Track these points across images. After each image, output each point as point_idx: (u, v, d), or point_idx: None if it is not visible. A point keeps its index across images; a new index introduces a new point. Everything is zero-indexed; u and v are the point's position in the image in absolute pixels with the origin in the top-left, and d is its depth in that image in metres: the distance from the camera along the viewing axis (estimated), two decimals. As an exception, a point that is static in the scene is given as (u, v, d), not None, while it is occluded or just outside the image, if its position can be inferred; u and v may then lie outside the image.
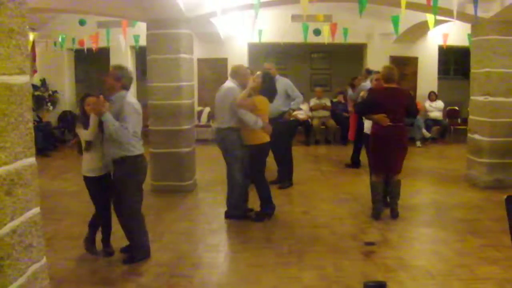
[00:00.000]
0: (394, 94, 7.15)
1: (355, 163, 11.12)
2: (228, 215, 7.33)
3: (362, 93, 7.88)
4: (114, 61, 15.11)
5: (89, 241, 5.86)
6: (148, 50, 8.96)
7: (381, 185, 7.33)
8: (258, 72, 7.38)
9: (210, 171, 10.53)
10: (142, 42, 11.15)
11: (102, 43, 13.87)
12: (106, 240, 5.87)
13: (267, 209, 7.31)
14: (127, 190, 5.50)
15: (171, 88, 8.75)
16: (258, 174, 7.28)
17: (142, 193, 5.79)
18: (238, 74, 7.28)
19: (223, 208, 7.59)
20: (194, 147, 9.32)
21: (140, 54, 14.57)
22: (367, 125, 7.83)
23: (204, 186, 9.34)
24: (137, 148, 5.50)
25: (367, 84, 10.70)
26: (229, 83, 7.22)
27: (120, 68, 5.69)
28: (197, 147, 9.70)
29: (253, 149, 7.09)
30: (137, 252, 5.67)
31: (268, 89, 7.24)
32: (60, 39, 13.86)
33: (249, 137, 7.05)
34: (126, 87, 5.57)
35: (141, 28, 10.11)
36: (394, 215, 7.28)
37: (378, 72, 7.97)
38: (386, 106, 7.05)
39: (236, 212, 7.29)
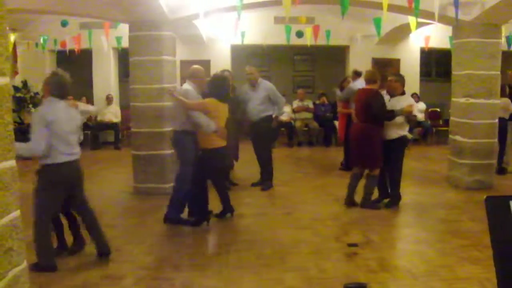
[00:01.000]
0: (361, 95, 7.93)
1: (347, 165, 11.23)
2: (166, 218, 7.15)
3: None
4: (96, 62, 15.09)
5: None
6: (130, 52, 8.93)
7: (354, 177, 8.02)
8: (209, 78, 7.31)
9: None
10: (125, 43, 11.13)
11: (85, 45, 13.79)
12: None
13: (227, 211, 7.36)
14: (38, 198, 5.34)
15: (154, 90, 8.71)
16: (215, 178, 7.26)
17: (56, 205, 5.46)
18: (195, 76, 7.15)
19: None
20: (176, 149, 9.28)
21: (123, 55, 14.50)
22: None
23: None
24: (52, 157, 5.21)
25: (356, 85, 10.85)
26: (186, 86, 7.10)
27: (53, 73, 5.48)
28: (180, 149, 9.66)
29: (206, 153, 6.99)
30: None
31: (214, 91, 7.03)
32: (41, 40, 13.77)
33: (204, 141, 6.95)
34: (54, 94, 5.30)
35: (123, 29, 10.08)
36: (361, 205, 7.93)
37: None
38: (355, 106, 8.08)
39: (175, 215, 7.12)
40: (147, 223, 7.22)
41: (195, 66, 7.34)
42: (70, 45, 13.77)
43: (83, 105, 5.64)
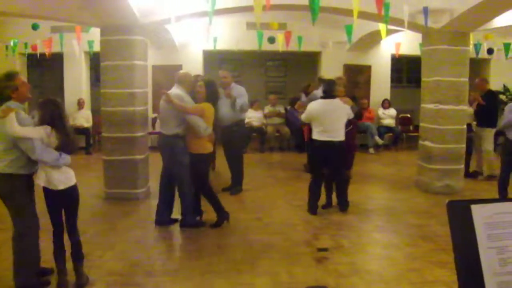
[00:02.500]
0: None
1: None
2: (184, 223, 7.25)
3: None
4: (68, 66, 14.92)
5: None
6: (101, 56, 8.88)
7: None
8: (200, 82, 7.33)
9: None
10: (97, 47, 11.03)
11: (56, 48, 13.61)
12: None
13: (223, 216, 7.34)
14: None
15: (125, 94, 8.67)
16: (203, 183, 7.28)
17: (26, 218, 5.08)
18: (184, 81, 7.28)
19: (177, 216, 7.57)
20: (147, 154, 9.24)
21: (95, 60, 14.39)
22: None
23: (158, 194, 9.22)
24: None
25: (319, 92, 10.93)
26: (176, 90, 7.17)
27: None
28: (151, 154, 9.61)
29: (198, 158, 7.08)
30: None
31: (211, 96, 7.24)
32: (12, 43, 13.57)
33: (195, 146, 7.05)
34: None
35: (95, 33, 10.00)
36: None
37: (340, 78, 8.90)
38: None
39: (192, 219, 7.27)
40: (118, 228, 7.18)
41: (183, 71, 7.59)
42: (41, 49, 13.60)
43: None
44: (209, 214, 7.45)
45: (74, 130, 13.70)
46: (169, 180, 7.36)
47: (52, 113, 4.92)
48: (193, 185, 7.21)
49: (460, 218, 1.91)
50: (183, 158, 7.07)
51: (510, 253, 1.88)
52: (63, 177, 5.01)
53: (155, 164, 10.53)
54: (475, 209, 1.91)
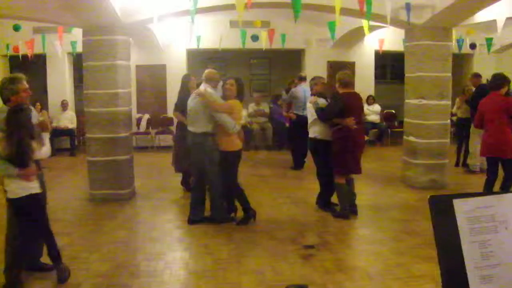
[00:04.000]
0: (357, 98, 7.77)
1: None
2: (213, 219, 7.29)
3: (314, 99, 7.94)
4: (51, 68, 14.82)
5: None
6: (84, 57, 8.81)
7: (346, 186, 7.66)
8: (231, 81, 7.31)
9: (150, 178, 10.45)
10: (80, 48, 10.97)
11: (38, 50, 13.51)
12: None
13: (250, 213, 7.38)
14: None
15: (108, 95, 8.61)
16: (233, 181, 7.30)
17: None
18: (212, 79, 7.31)
19: (162, 216, 7.58)
20: (132, 154, 9.19)
21: (78, 60, 14.27)
22: (318, 129, 7.85)
23: (143, 194, 9.22)
24: None
25: (298, 89, 11.04)
26: (207, 88, 7.17)
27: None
28: (136, 154, 9.58)
29: (229, 156, 7.13)
30: None
31: (241, 93, 7.34)
32: (-7, 45, 13.47)
33: (225, 143, 7.10)
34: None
35: (78, 34, 9.93)
36: (355, 211, 7.72)
37: (320, 77, 8.53)
38: (353, 110, 7.49)
39: (221, 215, 7.32)
40: (103, 230, 7.13)
41: (210, 69, 7.52)
42: (23, 50, 13.48)
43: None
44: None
45: (58, 132, 13.81)
46: (200, 178, 7.36)
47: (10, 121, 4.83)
48: (223, 182, 7.23)
49: (442, 212, 1.92)
50: (213, 155, 7.11)
51: (492, 247, 1.88)
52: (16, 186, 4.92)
53: (140, 165, 10.55)
54: (457, 203, 1.91)
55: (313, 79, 8.49)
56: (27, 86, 5.27)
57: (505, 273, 1.87)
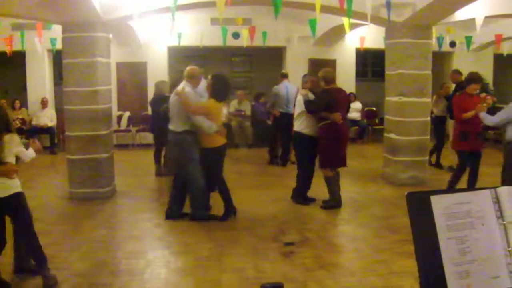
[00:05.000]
0: (344, 94, 8.04)
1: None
2: (193, 217, 7.25)
3: (305, 91, 7.99)
4: (30, 65, 14.65)
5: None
6: (63, 54, 8.71)
7: (335, 176, 7.94)
8: (210, 76, 7.29)
9: (130, 176, 10.39)
10: (60, 45, 10.87)
11: (17, 46, 13.36)
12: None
13: (231, 209, 7.41)
14: None
15: (88, 92, 8.53)
16: (218, 177, 7.28)
17: None
18: (193, 77, 7.20)
19: (142, 214, 7.53)
20: (112, 152, 9.12)
21: (58, 57, 14.14)
22: (304, 124, 7.97)
23: (124, 192, 9.16)
24: None
25: (280, 87, 11.08)
26: (186, 87, 7.07)
27: None
28: (117, 152, 9.52)
29: (210, 152, 7.09)
30: None
31: (217, 91, 7.16)
32: (-30, 42, 13.28)
33: (206, 140, 7.05)
34: None
35: (58, 30, 9.83)
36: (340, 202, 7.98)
37: (310, 75, 8.67)
38: (340, 105, 7.81)
39: (202, 213, 7.27)
40: (83, 228, 7.08)
41: (192, 66, 7.40)
42: (2, 47, 13.31)
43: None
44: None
45: (38, 130, 13.68)
46: (180, 175, 7.34)
47: None
48: (206, 179, 7.18)
49: (419, 209, 1.93)
50: (192, 153, 7.06)
51: (469, 243, 1.90)
52: None
53: (121, 162, 10.50)
54: (435, 200, 1.92)
55: (304, 76, 8.63)
56: None
57: (481, 269, 1.88)
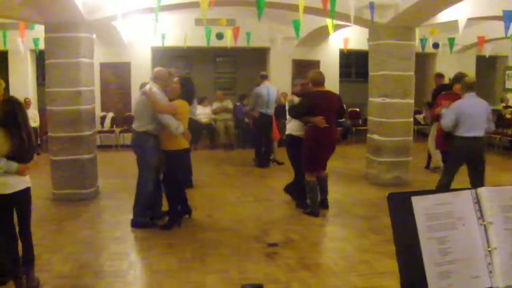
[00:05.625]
0: (329, 97, 7.67)
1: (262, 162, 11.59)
2: (134, 223, 7.13)
3: (290, 97, 7.99)
4: (13, 65, 14.52)
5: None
6: (46, 54, 8.66)
7: (316, 183, 7.70)
8: (176, 78, 7.26)
9: (114, 177, 10.34)
10: (43, 45, 10.79)
11: (-1, 46, 13.27)
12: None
13: (176, 217, 7.22)
14: None
15: (70, 93, 8.48)
16: (172, 179, 7.20)
17: None
18: (159, 78, 7.11)
19: (126, 215, 7.48)
20: (95, 153, 9.09)
21: (41, 58, 14.03)
22: (294, 126, 7.97)
23: (107, 193, 9.12)
24: None
25: (261, 88, 11.12)
26: (153, 87, 6.98)
27: None
28: (100, 153, 9.48)
29: (171, 155, 7.00)
30: None
31: (186, 93, 7.13)
32: (-48, 41, 13.15)
33: (168, 142, 6.94)
34: None
35: (41, 30, 9.76)
36: (326, 205, 7.92)
37: (301, 79, 8.43)
38: (322, 108, 7.45)
39: (142, 219, 7.15)
40: (66, 230, 7.04)
41: (159, 68, 7.34)
42: (-16, 47, 13.21)
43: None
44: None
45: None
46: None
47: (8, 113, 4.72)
48: (164, 182, 7.15)
49: (401, 210, 1.94)
50: (150, 158, 6.96)
51: (450, 243, 1.91)
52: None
53: (104, 163, 10.45)
54: (416, 201, 1.94)
55: (294, 79, 8.66)
56: None
57: (462, 269, 1.90)
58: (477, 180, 7.25)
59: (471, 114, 7.08)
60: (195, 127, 9.41)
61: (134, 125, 7.15)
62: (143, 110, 6.96)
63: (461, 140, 7.15)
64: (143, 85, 10.40)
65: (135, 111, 7.22)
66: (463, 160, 7.44)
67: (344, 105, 8.10)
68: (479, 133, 7.13)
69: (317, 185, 7.71)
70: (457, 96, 7.59)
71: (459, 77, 7.95)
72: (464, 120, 7.08)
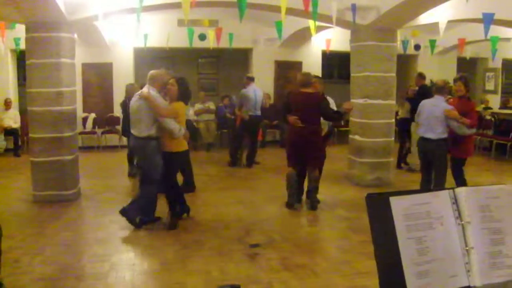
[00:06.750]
0: (307, 98, 7.78)
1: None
2: (139, 222, 7.08)
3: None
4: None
5: None
6: (27, 54, 8.57)
7: (293, 177, 7.98)
8: (171, 80, 7.22)
9: (95, 178, 10.29)
10: (24, 45, 10.70)
11: (-22, 46, 13.11)
12: None
13: (177, 212, 7.31)
14: None
15: (52, 93, 8.41)
16: (172, 180, 7.21)
17: None
18: (157, 80, 7.04)
19: (108, 217, 7.46)
20: (77, 154, 9.02)
21: (22, 58, 13.90)
22: None
23: (89, 195, 9.06)
24: None
25: (248, 90, 11.17)
26: (150, 90, 6.90)
27: None
28: (82, 154, 9.42)
29: (174, 157, 7.00)
30: None
31: (184, 93, 7.14)
32: None
33: (170, 144, 6.94)
34: None
35: (22, 30, 9.68)
36: (312, 207, 8.01)
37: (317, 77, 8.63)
38: (298, 109, 7.76)
39: (147, 219, 7.14)
40: (47, 232, 6.98)
41: (156, 70, 7.26)
42: (-38, 47, 13.05)
43: None
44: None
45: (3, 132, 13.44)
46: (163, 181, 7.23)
47: None
48: (164, 183, 7.10)
49: (379, 210, 1.95)
50: (155, 158, 6.92)
51: (428, 243, 1.93)
52: None
53: (86, 165, 10.39)
54: (394, 201, 1.95)
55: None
56: None
57: (440, 268, 1.92)
58: (436, 183, 7.57)
59: (427, 116, 7.44)
60: (191, 127, 9.42)
61: (134, 131, 7.04)
62: (143, 114, 6.87)
63: (420, 140, 7.72)
64: (128, 87, 10.46)
65: (134, 117, 7.06)
66: (422, 159, 7.85)
67: (332, 107, 8.03)
68: (431, 135, 7.41)
69: (292, 179, 7.99)
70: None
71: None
72: (422, 121, 7.55)
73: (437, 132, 7.36)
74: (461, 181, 7.71)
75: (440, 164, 7.55)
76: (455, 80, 7.92)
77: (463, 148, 7.73)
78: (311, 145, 7.85)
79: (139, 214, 7.07)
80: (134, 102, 7.05)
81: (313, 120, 7.80)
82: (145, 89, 6.99)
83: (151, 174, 6.98)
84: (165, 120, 6.75)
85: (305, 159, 7.98)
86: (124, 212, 7.00)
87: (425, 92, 10.25)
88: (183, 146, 7.15)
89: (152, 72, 7.19)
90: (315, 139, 7.88)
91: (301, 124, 7.66)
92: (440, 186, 7.56)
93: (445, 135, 7.41)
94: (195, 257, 5.93)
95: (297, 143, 7.82)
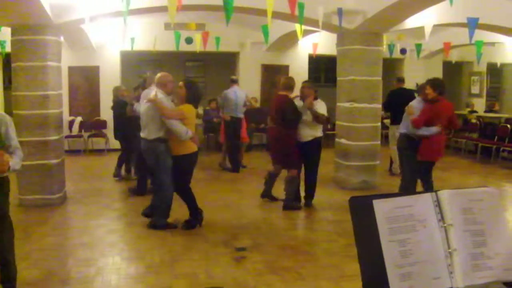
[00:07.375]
0: (278, 100, 8.23)
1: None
2: (154, 225, 7.14)
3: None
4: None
5: None
6: (13, 57, 8.51)
7: (271, 174, 8.65)
8: (180, 82, 7.21)
9: (82, 182, 10.26)
10: (9, 48, 10.63)
11: (-37, 49, 13.02)
12: None
13: (197, 216, 7.32)
14: None
15: (37, 97, 8.36)
16: (185, 184, 7.21)
17: None
18: (165, 83, 7.07)
19: (94, 221, 7.44)
20: (63, 158, 8.98)
21: (7, 61, 13.82)
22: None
23: (75, 199, 9.02)
24: None
25: (229, 91, 11.37)
26: (158, 93, 6.89)
27: None
28: (69, 158, 9.38)
29: (182, 160, 6.99)
30: None
31: (192, 96, 7.10)
32: None
33: (178, 147, 6.93)
34: None
35: (7, 33, 9.62)
36: (285, 205, 8.25)
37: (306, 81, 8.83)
38: (271, 110, 8.67)
39: (163, 222, 7.16)
40: (32, 236, 6.93)
41: (163, 72, 7.29)
42: None
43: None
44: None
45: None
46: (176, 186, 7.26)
47: None
48: (176, 186, 7.12)
49: (362, 213, 1.96)
50: (165, 160, 6.94)
51: (411, 245, 1.94)
52: None
53: (72, 168, 10.34)
54: (377, 204, 1.96)
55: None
56: None
57: (423, 270, 1.93)
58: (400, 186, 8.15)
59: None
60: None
61: (143, 134, 7.08)
62: (152, 117, 6.90)
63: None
64: (115, 90, 10.46)
65: (142, 120, 7.11)
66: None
67: (323, 111, 8.09)
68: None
69: (269, 178, 8.67)
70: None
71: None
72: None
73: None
74: (428, 185, 7.75)
75: (406, 165, 7.98)
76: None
77: (428, 150, 7.51)
78: (276, 144, 8.30)
79: (165, 218, 7.23)
80: (142, 105, 7.17)
81: (279, 121, 8.10)
82: (152, 92, 6.99)
83: (162, 177, 7.01)
84: (170, 121, 6.75)
85: (275, 158, 8.53)
86: (154, 227, 7.14)
87: (395, 94, 10.52)
88: (192, 148, 7.09)
89: (159, 74, 7.25)
90: (280, 139, 8.15)
91: (272, 124, 8.46)
92: (403, 189, 7.62)
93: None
94: (181, 260, 5.93)
95: (268, 142, 8.69)
